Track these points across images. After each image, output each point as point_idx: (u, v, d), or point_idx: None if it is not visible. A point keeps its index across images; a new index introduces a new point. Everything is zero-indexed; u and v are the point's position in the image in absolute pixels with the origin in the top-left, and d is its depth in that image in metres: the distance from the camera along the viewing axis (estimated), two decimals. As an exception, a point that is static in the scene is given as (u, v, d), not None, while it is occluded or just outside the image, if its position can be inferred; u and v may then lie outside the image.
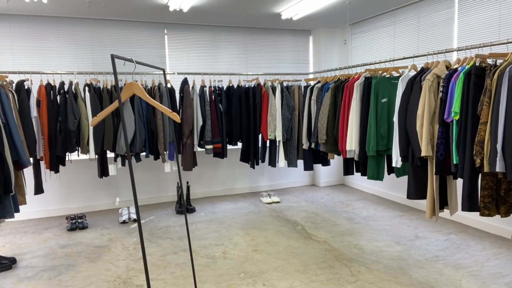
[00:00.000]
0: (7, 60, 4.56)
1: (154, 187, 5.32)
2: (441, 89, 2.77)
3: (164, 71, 2.41)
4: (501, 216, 2.53)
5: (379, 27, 5.22)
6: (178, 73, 4.93)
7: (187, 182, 5.10)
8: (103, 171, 4.43)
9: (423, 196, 2.98)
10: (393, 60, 3.60)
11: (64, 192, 4.88)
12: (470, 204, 2.61)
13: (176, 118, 2.17)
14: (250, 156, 5.02)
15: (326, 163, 4.79)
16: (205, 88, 4.78)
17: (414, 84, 2.98)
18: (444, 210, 2.97)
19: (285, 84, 5.15)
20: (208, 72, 5.13)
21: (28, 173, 4.20)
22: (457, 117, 2.65)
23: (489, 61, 2.65)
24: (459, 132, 2.64)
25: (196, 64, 5.41)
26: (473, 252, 3.34)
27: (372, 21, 5.35)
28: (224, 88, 4.93)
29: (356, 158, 3.72)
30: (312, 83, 4.83)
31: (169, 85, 4.61)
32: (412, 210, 4.68)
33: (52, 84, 4.16)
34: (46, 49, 4.74)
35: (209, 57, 5.51)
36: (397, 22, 4.90)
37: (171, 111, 2.17)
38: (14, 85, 3.82)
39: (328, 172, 6.10)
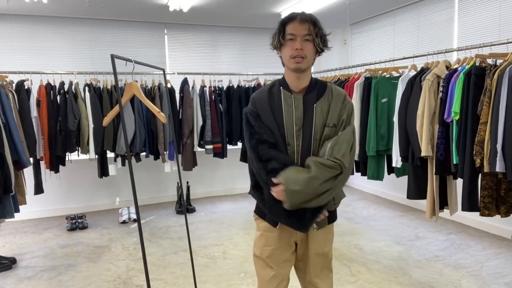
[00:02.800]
0: (7, 60, 4.55)
1: (154, 187, 5.32)
2: (441, 89, 2.76)
3: (164, 71, 2.41)
4: (501, 216, 2.53)
5: (379, 27, 5.22)
6: (178, 73, 4.93)
7: (187, 182, 5.10)
8: (103, 171, 4.43)
9: (423, 196, 2.97)
10: (393, 60, 3.60)
11: (64, 192, 4.88)
12: (470, 204, 2.61)
13: (163, 118, 2.17)
14: (250, 156, 5.01)
15: (326, 163, 4.78)
16: (205, 88, 4.78)
17: (414, 84, 2.97)
18: (444, 210, 2.97)
19: (285, 84, 5.14)
20: (208, 72, 5.13)
21: (28, 173, 4.19)
22: (457, 117, 2.65)
23: (489, 61, 2.64)
24: (459, 132, 2.64)
25: (196, 64, 5.41)
26: (473, 252, 3.34)
27: (372, 21, 5.35)
28: (224, 88, 4.93)
29: (356, 158, 3.72)
30: (312, 83, 4.82)
31: (169, 85, 4.60)
32: (412, 210, 4.68)
33: (52, 84, 4.16)
34: (46, 49, 4.74)
35: (209, 57, 5.51)
36: (397, 22, 4.90)
37: (158, 110, 2.17)
38: (14, 85, 3.82)
39: (328, 172, 6.09)
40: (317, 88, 1.56)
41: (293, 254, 1.68)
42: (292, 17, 1.50)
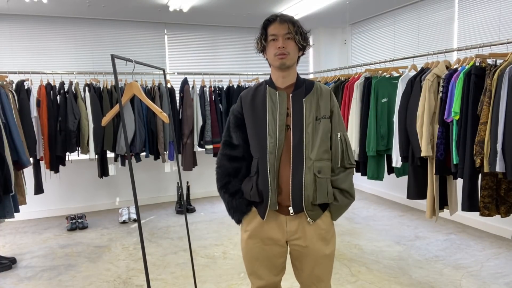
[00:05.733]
0: (7, 60, 4.55)
1: (154, 187, 5.32)
2: (441, 89, 2.76)
3: (164, 71, 2.41)
4: (501, 216, 2.53)
5: (379, 27, 5.22)
6: (178, 73, 4.93)
7: (187, 182, 5.10)
8: (103, 171, 4.43)
9: (423, 196, 2.98)
10: (393, 60, 3.60)
11: (64, 192, 4.88)
12: (470, 204, 2.61)
13: (165, 118, 2.17)
14: (250, 156, 5.01)
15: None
16: (205, 88, 4.78)
17: (414, 84, 2.97)
18: (444, 210, 2.97)
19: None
20: (208, 72, 5.13)
21: (28, 173, 4.19)
22: (457, 117, 2.65)
23: (489, 61, 2.64)
24: (459, 132, 2.64)
25: (196, 64, 5.41)
26: (473, 252, 3.34)
27: (372, 21, 5.35)
28: (224, 88, 4.93)
29: (356, 158, 3.72)
30: (312, 83, 4.82)
31: (169, 85, 4.61)
32: (412, 210, 4.68)
33: (52, 84, 4.16)
34: (46, 49, 4.74)
35: (209, 57, 5.51)
36: (397, 22, 4.90)
37: (161, 110, 2.17)
38: (14, 85, 3.82)
39: (328, 172, 6.09)
40: (304, 85, 1.64)
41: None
42: (271, 19, 1.60)
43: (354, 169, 1.71)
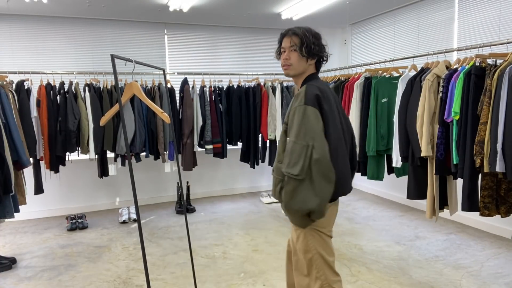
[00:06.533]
0: (7, 60, 4.55)
1: (154, 187, 5.32)
2: (441, 89, 2.76)
3: (164, 71, 2.41)
4: (501, 216, 2.53)
5: (379, 27, 5.22)
6: (178, 73, 4.93)
7: (187, 182, 5.10)
8: (103, 171, 4.43)
9: (423, 196, 2.97)
10: (393, 60, 3.60)
11: (64, 192, 4.88)
12: (470, 204, 2.61)
13: (166, 118, 2.18)
14: (250, 156, 5.02)
15: (326, 163, 4.77)
16: (205, 88, 4.78)
17: (414, 84, 2.97)
18: (444, 210, 2.97)
19: (285, 84, 5.15)
20: (208, 72, 5.13)
21: (28, 173, 4.19)
22: (457, 117, 2.65)
23: (489, 61, 2.64)
24: (459, 132, 2.64)
25: (196, 64, 5.41)
26: (473, 252, 3.34)
27: (372, 21, 5.35)
28: (224, 88, 4.93)
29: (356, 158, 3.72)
30: (312, 83, 4.81)
31: (169, 85, 4.60)
32: (412, 210, 4.68)
33: (52, 84, 4.16)
34: (46, 49, 4.74)
35: (209, 57, 5.51)
36: (397, 22, 4.90)
37: (162, 111, 2.17)
38: (14, 85, 3.82)
39: (328, 172, 6.08)
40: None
41: None
42: (283, 34, 1.83)
43: (294, 181, 1.58)
